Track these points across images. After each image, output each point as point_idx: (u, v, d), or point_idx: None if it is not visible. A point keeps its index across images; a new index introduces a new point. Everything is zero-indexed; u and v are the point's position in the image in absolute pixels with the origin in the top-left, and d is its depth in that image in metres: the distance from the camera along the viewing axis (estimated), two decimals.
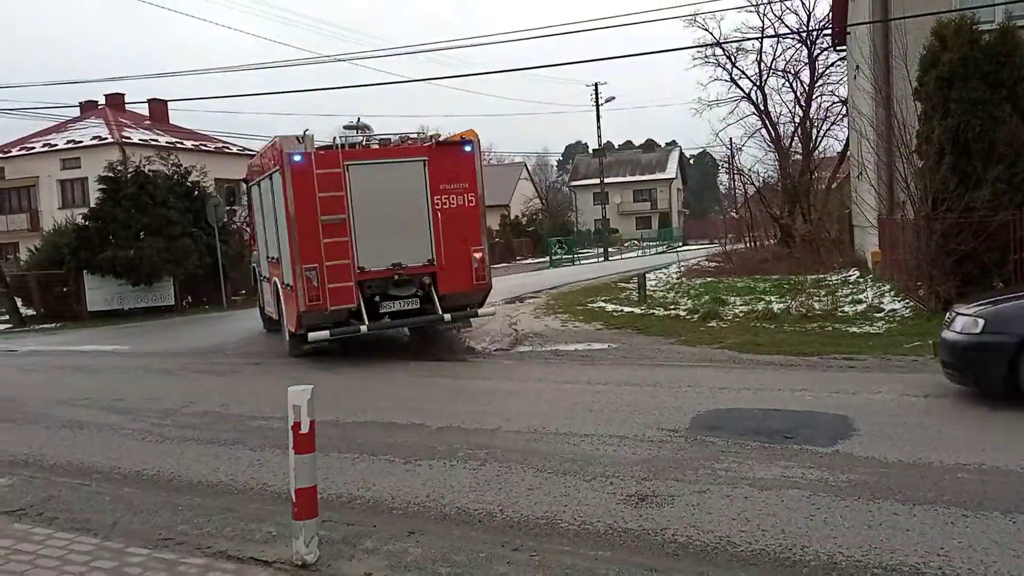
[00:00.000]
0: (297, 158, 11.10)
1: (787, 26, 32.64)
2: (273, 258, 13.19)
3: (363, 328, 11.44)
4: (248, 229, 21.36)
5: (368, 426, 7.66)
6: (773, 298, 14.91)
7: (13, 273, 25.99)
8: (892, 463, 5.53)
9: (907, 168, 12.47)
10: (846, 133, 27.90)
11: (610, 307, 16.02)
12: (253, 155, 19.88)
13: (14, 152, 41.67)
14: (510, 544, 4.51)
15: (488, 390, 9.50)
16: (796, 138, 33.77)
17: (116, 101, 40.43)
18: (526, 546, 4.47)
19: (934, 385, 7.59)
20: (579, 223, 69.00)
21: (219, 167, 35.49)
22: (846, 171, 29.20)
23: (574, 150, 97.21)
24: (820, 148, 33.93)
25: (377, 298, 11.81)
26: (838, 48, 27.59)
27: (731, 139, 45.34)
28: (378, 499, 5.43)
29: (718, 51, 33.17)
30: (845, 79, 27.64)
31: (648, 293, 17.19)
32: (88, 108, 40.76)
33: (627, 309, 15.52)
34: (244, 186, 18.61)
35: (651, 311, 14.95)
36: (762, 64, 33.20)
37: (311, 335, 11.46)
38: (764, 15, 33.56)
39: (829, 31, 27.17)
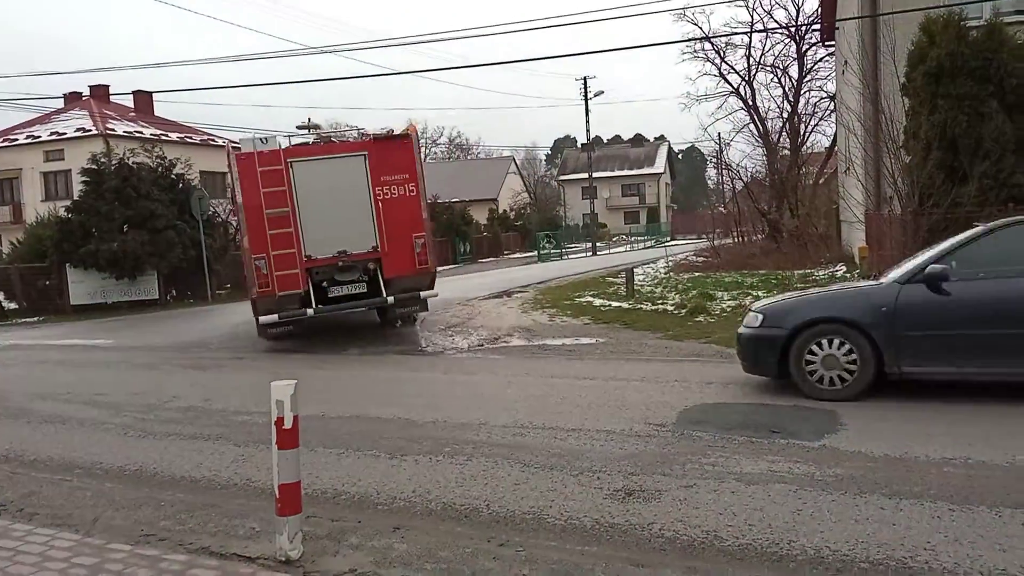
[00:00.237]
0: (244, 158, 12.18)
1: (776, 21, 32.72)
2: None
3: (310, 311, 12.33)
4: (234, 222, 21.33)
5: (353, 420, 7.60)
6: (760, 293, 14.92)
7: None
8: (878, 457, 5.53)
9: (894, 163, 12.52)
10: (834, 129, 28.00)
11: (598, 302, 16.00)
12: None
13: None
14: (496, 540, 4.47)
15: (475, 384, 9.46)
16: (784, 133, 33.85)
17: (101, 93, 40.12)
18: (512, 542, 4.44)
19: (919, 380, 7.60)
20: (567, 217, 69.03)
21: (205, 160, 35.24)
22: (833, 167, 29.30)
23: (563, 144, 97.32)
24: (808, 144, 34.07)
25: (325, 284, 12.70)
26: (826, 44, 27.68)
27: (719, 134, 45.23)
28: (363, 494, 5.38)
29: (707, 46, 33.25)
30: (833, 75, 27.73)
31: (636, 288, 17.19)
32: (72, 99, 40.46)
33: (615, 304, 15.50)
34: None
35: (639, 306, 14.94)
36: (751, 59, 33.26)
37: (261, 318, 12.50)
38: (753, 10, 33.67)
39: (818, 26, 27.23)
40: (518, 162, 77.70)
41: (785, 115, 33.46)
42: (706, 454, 5.81)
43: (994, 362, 6.98)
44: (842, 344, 7.24)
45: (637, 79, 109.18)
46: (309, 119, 14.71)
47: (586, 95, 47.17)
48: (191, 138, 41.08)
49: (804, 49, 31.89)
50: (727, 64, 33.84)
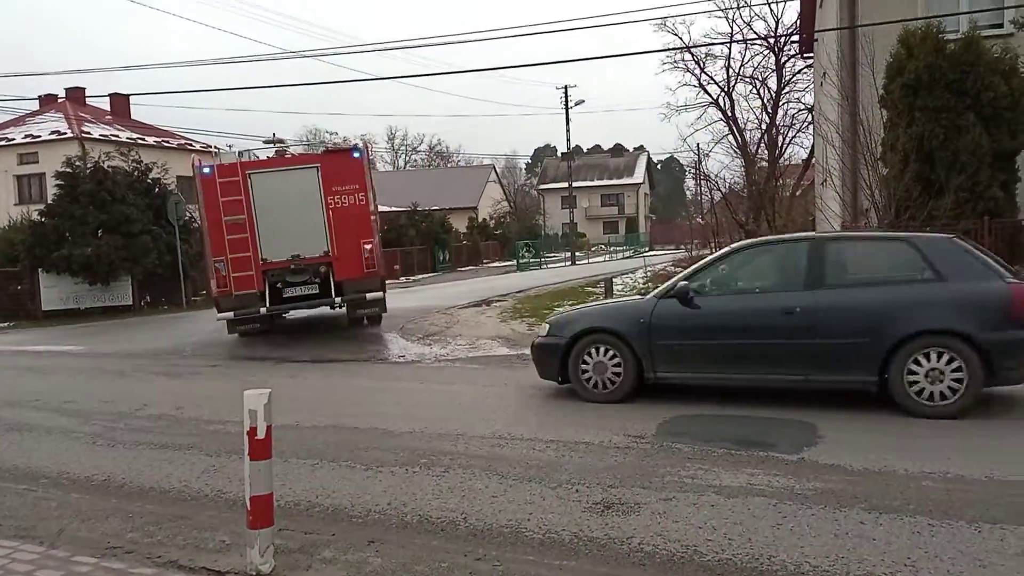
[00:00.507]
0: (206, 170, 13.43)
1: (755, 32, 32.92)
2: None
3: (262, 310, 13.50)
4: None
5: (328, 430, 7.48)
6: None
7: None
8: (858, 471, 5.51)
9: (872, 175, 12.59)
10: (811, 140, 28.21)
11: None
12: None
13: None
14: (473, 553, 4.39)
15: (453, 394, 9.37)
16: (763, 144, 34.07)
17: (76, 95, 39.53)
18: (490, 555, 4.36)
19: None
20: (547, 227, 69.03)
21: (181, 164, 34.75)
22: (811, 178, 29.50)
23: (543, 153, 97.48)
24: (786, 155, 34.27)
25: (280, 285, 13.75)
26: (805, 56, 27.90)
27: (698, 145, 45.71)
28: (337, 507, 5.28)
29: (687, 56, 33.39)
30: (811, 87, 27.95)
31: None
32: (47, 102, 39.80)
33: None
34: None
35: None
36: (730, 70, 33.46)
37: (218, 315, 13.76)
38: (733, 21, 33.64)
39: (796, 38, 27.46)
40: (498, 170, 77.75)
41: (764, 126, 33.70)
42: (685, 466, 5.76)
43: (730, 368, 7.75)
44: (607, 351, 8.05)
45: (618, 89, 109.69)
46: (275, 134, 15.89)
47: (567, 104, 47.14)
48: (168, 142, 40.60)
49: (783, 61, 32.18)
50: (707, 75, 34.05)
